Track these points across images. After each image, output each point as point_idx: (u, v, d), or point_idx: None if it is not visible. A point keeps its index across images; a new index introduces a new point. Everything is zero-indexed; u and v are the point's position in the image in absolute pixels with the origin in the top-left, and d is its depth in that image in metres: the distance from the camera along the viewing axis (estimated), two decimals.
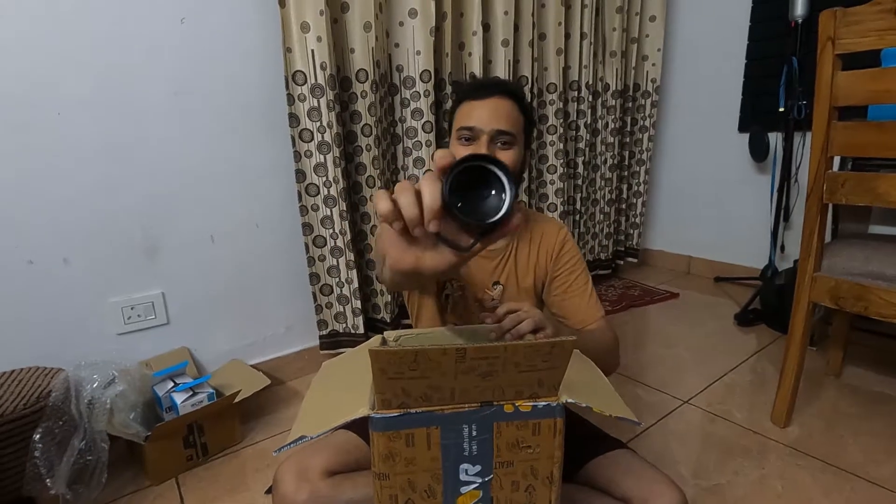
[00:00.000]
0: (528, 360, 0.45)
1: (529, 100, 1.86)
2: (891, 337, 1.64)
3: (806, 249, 1.16)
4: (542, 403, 0.48)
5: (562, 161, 2.06)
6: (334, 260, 1.56)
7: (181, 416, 1.15)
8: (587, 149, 2.20)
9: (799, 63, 1.87)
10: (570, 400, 0.49)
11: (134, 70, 1.22)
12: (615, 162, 2.34)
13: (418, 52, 1.56)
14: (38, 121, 1.13)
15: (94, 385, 1.06)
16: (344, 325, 1.62)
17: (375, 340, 0.74)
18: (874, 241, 1.23)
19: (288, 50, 1.36)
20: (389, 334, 0.77)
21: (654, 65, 2.34)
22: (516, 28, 1.81)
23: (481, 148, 0.86)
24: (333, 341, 1.63)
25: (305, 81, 1.40)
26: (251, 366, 1.46)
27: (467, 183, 0.42)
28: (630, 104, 2.37)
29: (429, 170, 0.48)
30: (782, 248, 2.16)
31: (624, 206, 2.53)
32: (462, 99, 0.92)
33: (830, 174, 1.10)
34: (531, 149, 1.85)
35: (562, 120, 2.04)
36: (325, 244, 1.55)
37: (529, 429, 0.49)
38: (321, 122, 1.43)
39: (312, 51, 1.37)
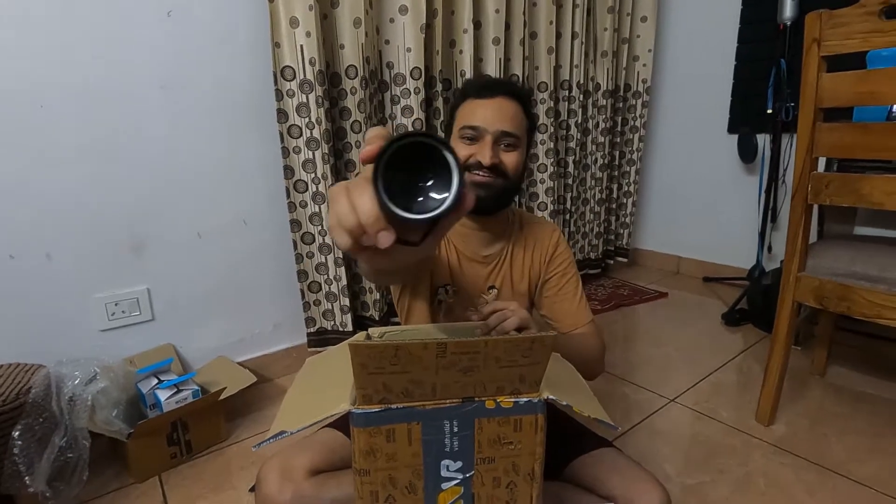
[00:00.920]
0: (509, 356, 0.45)
1: None
2: (874, 337, 1.66)
3: (791, 250, 1.18)
4: (523, 399, 0.48)
5: (552, 160, 2.06)
6: (322, 257, 1.55)
7: (165, 413, 1.14)
8: (578, 148, 2.20)
9: (787, 65, 1.88)
10: (551, 397, 0.49)
11: (119, 63, 1.20)
12: (605, 162, 2.35)
13: (409, 49, 1.55)
14: (21, 115, 1.11)
15: (76, 381, 1.04)
16: (332, 323, 1.61)
17: (360, 336, 0.74)
18: (859, 242, 1.24)
19: (276, 45, 1.35)
20: (374, 331, 0.76)
21: (644, 65, 2.35)
22: (507, 26, 1.80)
23: (485, 148, 0.84)
24: (321, 339, 1.62)
25: (294, 77, 1.39)
26: (238, 363, 1.44)
27: (404, 160, 0.35)
28: (621, 104, 2.38)
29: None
30: (769, 248, 2.18)
31: (614, 205, 2.54)
32: (466, 96, 0.89)
33: (815, 175, 1.11)
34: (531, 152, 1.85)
35: (552, 119, 2.05)
36: (314, 241, 1.54)
37: (511, 425, 0.49)
38: (310, 118, 1.42)
39: (301, 46, 1.36)
